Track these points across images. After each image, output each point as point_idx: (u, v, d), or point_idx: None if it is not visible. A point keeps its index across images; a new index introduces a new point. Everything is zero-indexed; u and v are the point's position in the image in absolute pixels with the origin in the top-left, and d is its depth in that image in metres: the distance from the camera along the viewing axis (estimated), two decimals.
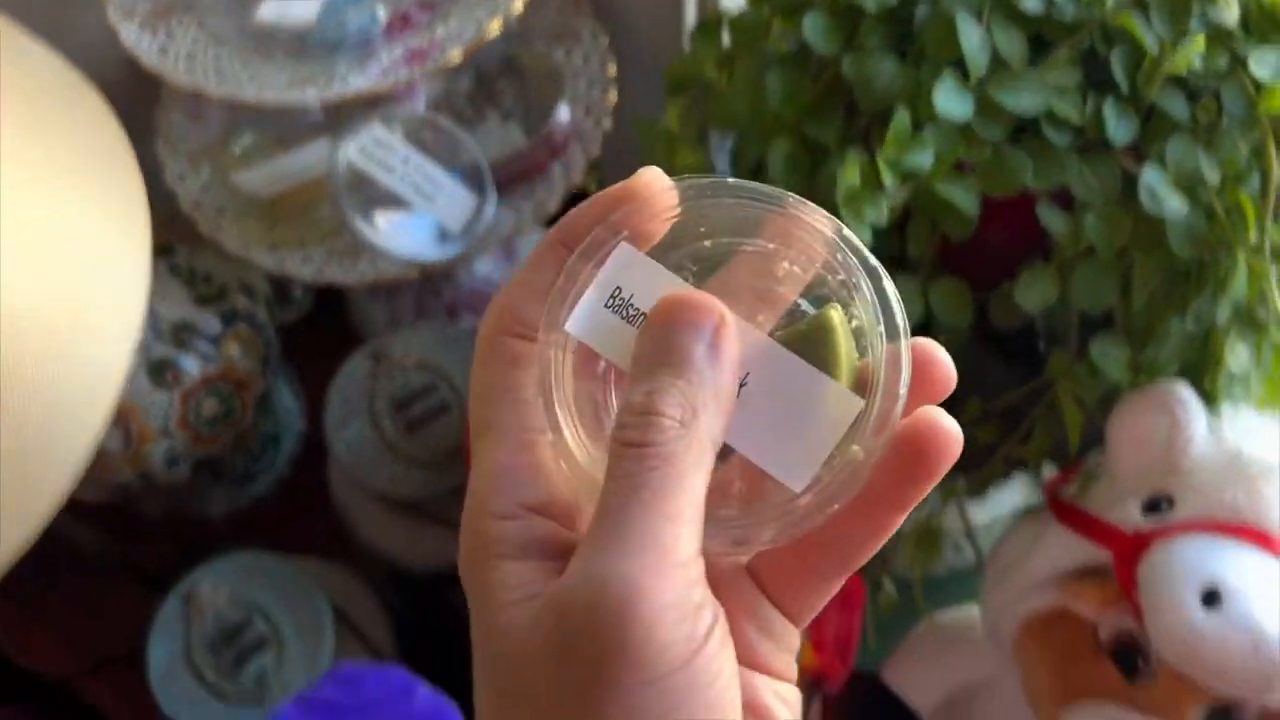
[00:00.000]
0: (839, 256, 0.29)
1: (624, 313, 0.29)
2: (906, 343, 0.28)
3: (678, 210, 0.30)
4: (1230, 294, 0.51)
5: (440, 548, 0.67)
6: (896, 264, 0.55)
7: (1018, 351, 0.61)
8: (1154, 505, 0.56)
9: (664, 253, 0.30)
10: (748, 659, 0.30)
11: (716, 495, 0.28)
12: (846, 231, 0.29)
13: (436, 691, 0.57)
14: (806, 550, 0.30)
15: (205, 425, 0.75)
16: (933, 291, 0.55)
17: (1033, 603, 0.59)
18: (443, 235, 0.70)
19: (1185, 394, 0.55)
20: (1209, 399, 0.55)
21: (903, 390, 0.28)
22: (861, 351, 0.29)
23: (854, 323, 0.29)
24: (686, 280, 0.30)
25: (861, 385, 0.29)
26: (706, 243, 0.31)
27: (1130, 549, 0.54)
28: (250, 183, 0.71)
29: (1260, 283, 0.52)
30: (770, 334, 0.30)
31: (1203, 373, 0.55)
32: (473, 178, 0.70)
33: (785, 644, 0.31)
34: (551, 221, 0.71)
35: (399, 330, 0.73)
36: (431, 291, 0.78)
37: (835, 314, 0.29)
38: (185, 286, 0.76)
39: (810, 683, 0.65)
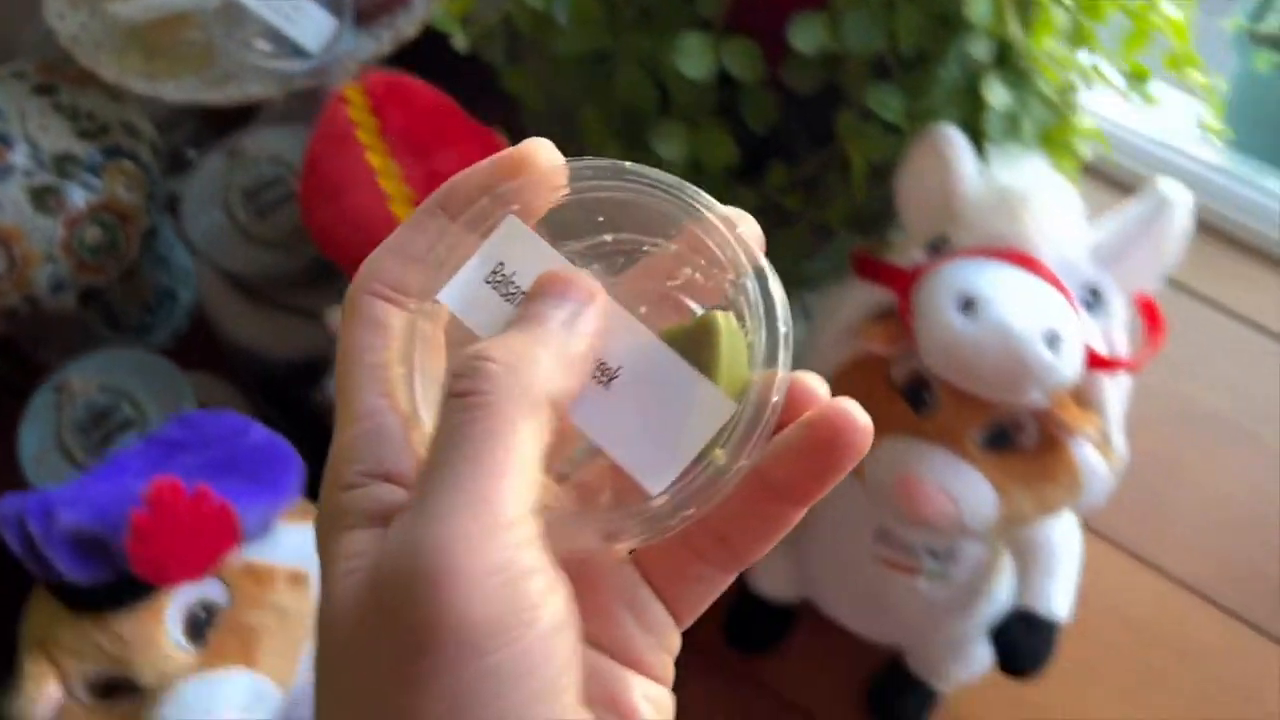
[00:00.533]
0: (729, 255, 0.28)
1: (504, 289, 0.28)
2: (787, 354, 0.27)
3: (567, 190, 0.29)
4: (979, 29, 0.56)
5: (294, 336, 0.72)
6: (690, 22, 0.60)
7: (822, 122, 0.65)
8: (935, 246, 0.60)
9: (561, 242, 0.28)
10: (621, 652, 0.28)
11: (593, 487, 0.28)
12: (743, 231, 0.28)
13: (273, 432, 0.61)
14: (699, 542, 0.28)
15: (89, 253, 0.79)
16: (725, 48, 0.60)
17: (839, 354, 0.64)
18: (304, 56, 0.74)
19: (953, 134, 0.59)
20: (978, 140, 0.60)
21: (776, 399, 0.27)
22: (750, 363, 0.28)
23: (748, 336, 0.28)
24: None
25: (742, 394, 0.27)
26: (608, 236, 0.30)
27: (909, 282, 0.59)
28: (125, 12, 0.76)
29: (1003, 14, 0.56)
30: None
31: (975, 118, 0.60)
32: (333, 2, 0.75)
33: (664, 641, 0.29)
34: (412, 52, 0.76)
35: (253, 129, 0.78)
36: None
37: (722, 318, 0.28)
38: (68, 122, 0.80)
39: None
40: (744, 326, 0.28)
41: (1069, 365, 0.55)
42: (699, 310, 0.29)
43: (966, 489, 0.57)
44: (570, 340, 0.26)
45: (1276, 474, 0.82)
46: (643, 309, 0.29)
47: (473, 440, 0.24)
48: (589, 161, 0.29)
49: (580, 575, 0.27)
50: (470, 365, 0.25)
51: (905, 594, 0.67)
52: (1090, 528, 0.73)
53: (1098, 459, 0.58)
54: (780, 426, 0.27)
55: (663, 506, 0.27)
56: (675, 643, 0.29)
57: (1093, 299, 0.58)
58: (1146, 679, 0.75)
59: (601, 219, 0.29)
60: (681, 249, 0.29)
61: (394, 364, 0.28)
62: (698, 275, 0.29)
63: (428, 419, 0.27)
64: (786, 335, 0.27)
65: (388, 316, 0.28)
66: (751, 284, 0.28)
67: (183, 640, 0.56)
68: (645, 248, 0.30)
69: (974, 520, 0.57)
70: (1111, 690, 0.74)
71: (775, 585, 0.75)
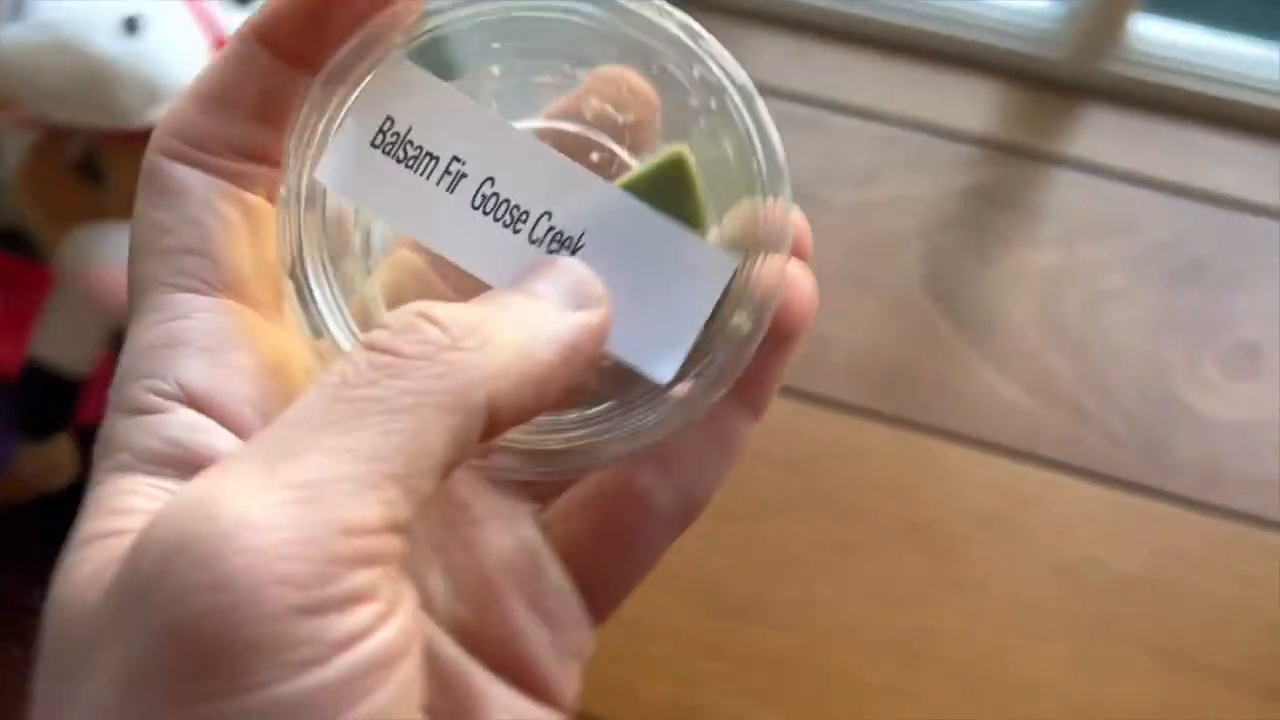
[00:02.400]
0: (696, 72, 0.22)
1: (400, 153, 0.21)
2: (788, 185, 0.22)
3: (446, 14, 0.22)
4: None
5: None
6: None
7: None
8: None
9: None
10: (496, 655, 0.22)
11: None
12: (701, 31, 0.22)
13: None
14: (639, 486, 0.22)
15: None
16: None
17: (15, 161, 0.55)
18: None
19: None
20: None
21: (787, 241, 0.22)
22: (731, 198, 0.22)
23: (730, 159, 0.22)
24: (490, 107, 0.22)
25: (732, 240, 0.22)
26: (494, 68, 0.23)
27: None
28: None
29: None
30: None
31: None
32: None
33: (568, 642, 0.22)
34: None
35: None
36: None
37: (686, 152, 0.22)
38: None
39: None
40: (726, 156, 0.22)
41: (162, 53, 0.44)
42: (625, 157, 0.24)
43: None
44: (554, 339, 0.19)
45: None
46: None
47: (360, 416, 0.17)
48: None
49: (462, 544, 0.22)
50: (407, 321, 0.18)
51: None
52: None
53: None
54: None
55: (685, 393, 0.21)
56: (585, 644, 0.22)
57: None
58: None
59: (496, 46, 0.23)
60: (596, 82, 0.23)
61: (280, 272, 0.21)
62: (614, 111, 0.24)
63: (343, 339, 0.21)
64: (784, 163, 0.22)
65: (189, 184, 0.21)
66: (736, 102, 0.22)
67: None
68: (544, 78, 0.24)
69: None
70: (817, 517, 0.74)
71: None
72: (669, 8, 0.22)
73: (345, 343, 0.21)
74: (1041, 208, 0.83)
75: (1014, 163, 0.84)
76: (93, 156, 0.51)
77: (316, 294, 0.22)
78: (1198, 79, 0.84)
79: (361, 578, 0.17)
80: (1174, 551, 0.70)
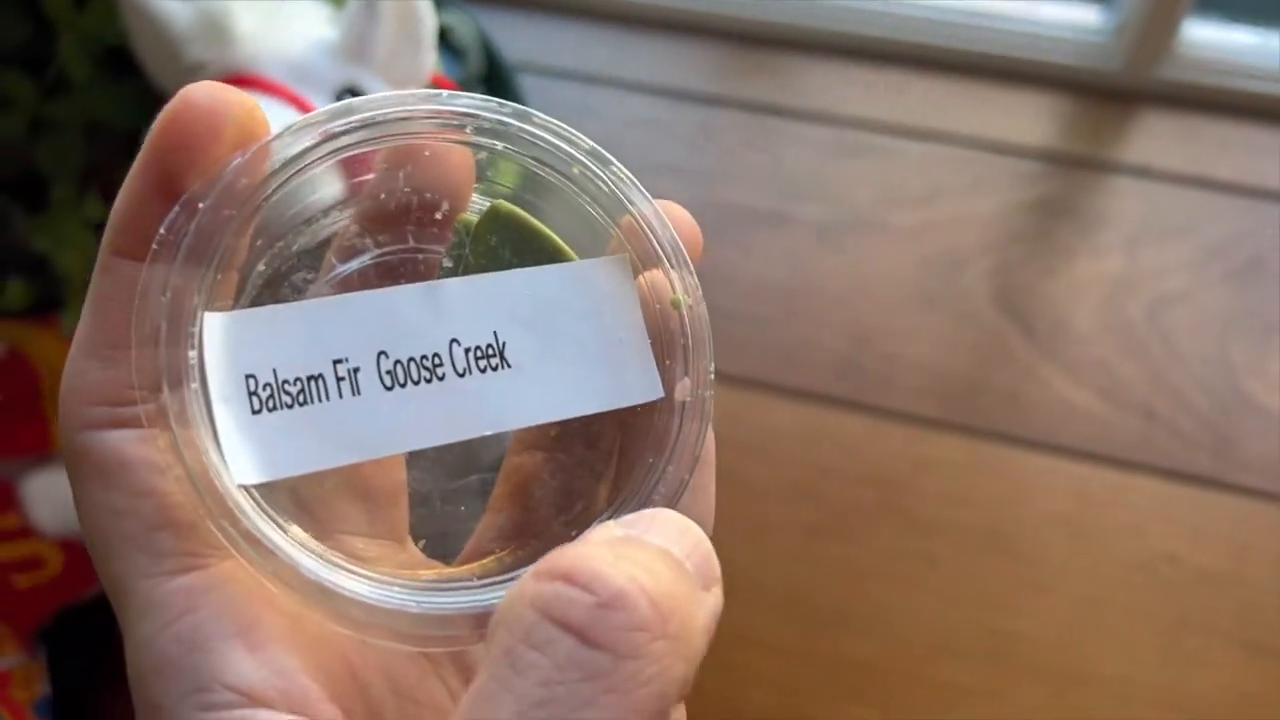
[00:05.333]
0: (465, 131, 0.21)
1: (286, 399, 0.19)
2: (639, 190, 0.22)
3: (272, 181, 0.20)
4: None
5: None
6: None
7: None
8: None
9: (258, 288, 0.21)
10: None
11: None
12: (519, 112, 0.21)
13: None
14: None
15: None
16: None
17: None
18: None
19: None
20: None
21: (649, 204, 0.22)
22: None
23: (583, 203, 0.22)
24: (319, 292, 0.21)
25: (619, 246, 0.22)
26: (260, 265, 0.21)
27: None
28: None
29: None
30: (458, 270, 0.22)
31: None
32: None
33: None
34: None
35: None
36: None
37: (499, 202, 0.22)
38: None
39: None
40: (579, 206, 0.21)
41: None
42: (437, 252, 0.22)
43: None
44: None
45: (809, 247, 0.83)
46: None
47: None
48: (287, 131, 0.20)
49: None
50: (616, 591, 0.16)
51: None
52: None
53: None
54: None
55: (687, 393, 0.21)
56: None
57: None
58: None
59: (259, 242, 0.21)
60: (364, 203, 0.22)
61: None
62: (417, 195, 0.22)
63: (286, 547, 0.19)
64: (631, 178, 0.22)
65: (124, 451, 0.19)
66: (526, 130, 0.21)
67: None
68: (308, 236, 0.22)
69: None
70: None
71: None
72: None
73: (280, 543, 0.19)
74: (1101, 215, 0.85)
75: (1072, 173, 0.86)
76: None
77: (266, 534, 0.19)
78: (1248, 78, 0.86)
79: None
80: (1250, 544, 0.73)
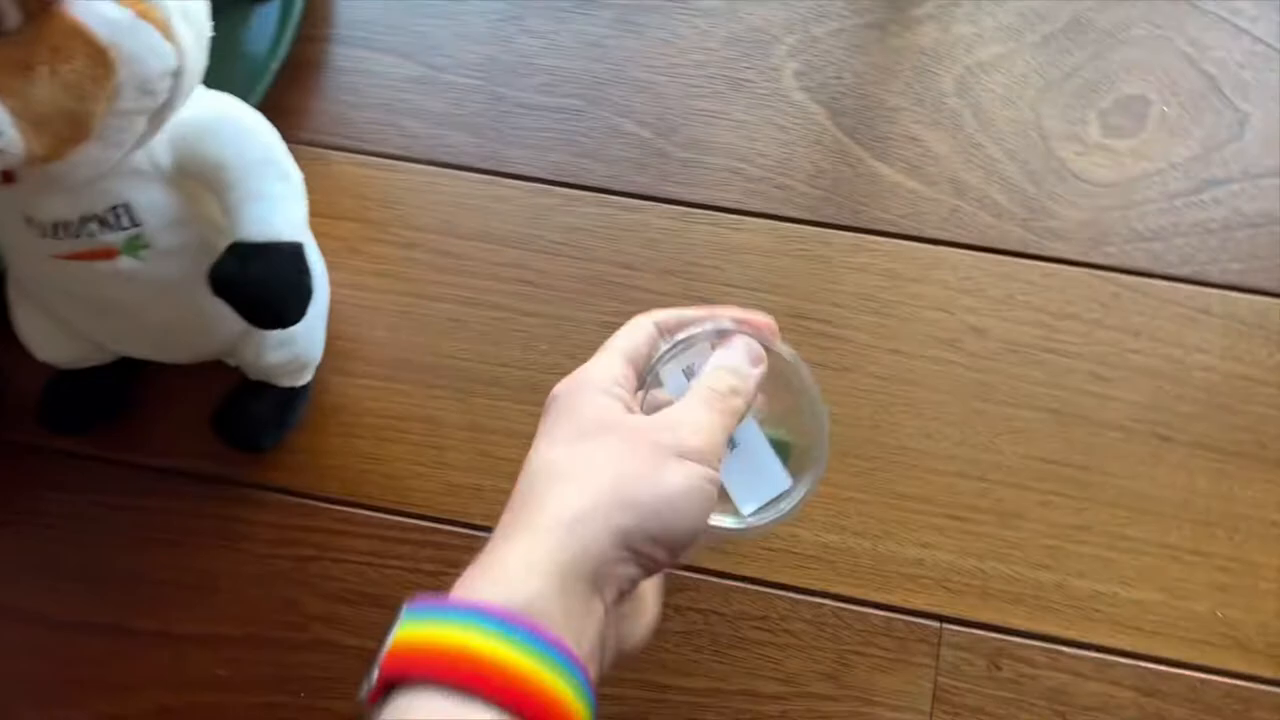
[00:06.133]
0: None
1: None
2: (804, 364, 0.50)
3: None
4: None
5: None
6: None
7: None
8: None
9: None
10: None
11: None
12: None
13: None
14: None
15: None
16: None
17: None
18: None
19: None
20: None
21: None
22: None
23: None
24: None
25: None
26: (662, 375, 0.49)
27: None
28: None
29: None
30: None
31: None
32: None
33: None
34: None
35: None
36: None
37: (784, 434, 0.50)
38: None
39: None
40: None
41: None
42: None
43: None
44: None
45: None
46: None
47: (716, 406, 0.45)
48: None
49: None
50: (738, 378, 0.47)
51: (133, 287, 0.59)
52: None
53: (110, 9, 0.47)
54: None
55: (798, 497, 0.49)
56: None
57: None
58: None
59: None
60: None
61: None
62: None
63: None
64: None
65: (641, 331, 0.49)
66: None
67: None
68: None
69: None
70: None
71: (58, 351, 0.67)
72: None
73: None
74: None
75: None
76: None
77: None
78: None
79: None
80: (1061, 312, 0.71)
